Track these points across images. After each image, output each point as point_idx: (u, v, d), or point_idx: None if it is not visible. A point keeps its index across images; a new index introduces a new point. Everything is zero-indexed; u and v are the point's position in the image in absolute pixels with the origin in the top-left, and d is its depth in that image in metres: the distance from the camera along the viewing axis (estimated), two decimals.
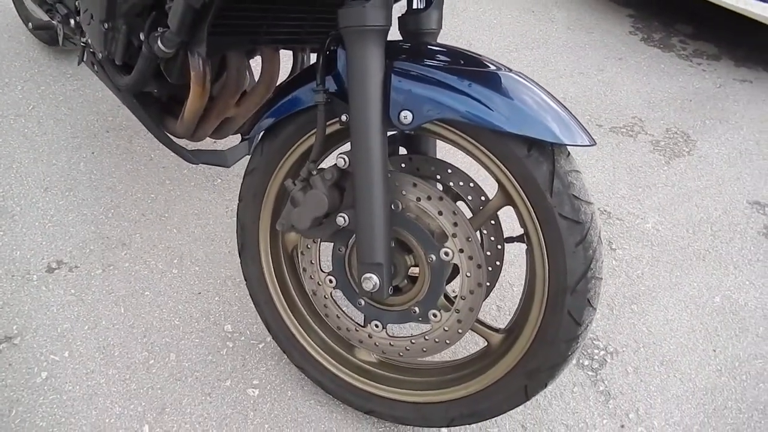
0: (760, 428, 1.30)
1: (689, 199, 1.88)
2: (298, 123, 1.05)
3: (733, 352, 1.46)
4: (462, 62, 0.93)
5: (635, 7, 2.88)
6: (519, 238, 1.06)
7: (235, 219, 1.62)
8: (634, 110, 2.23)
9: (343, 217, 0.99)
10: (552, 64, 2.37)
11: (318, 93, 0.95)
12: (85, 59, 1.47)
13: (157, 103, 1.39)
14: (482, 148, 0.93)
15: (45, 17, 1.59)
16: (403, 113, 0.90)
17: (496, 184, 0.97)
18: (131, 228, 1.57)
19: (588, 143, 0.88)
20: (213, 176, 1.74)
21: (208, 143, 1.75)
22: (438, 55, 0.95)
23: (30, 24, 1.59)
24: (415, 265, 1.06)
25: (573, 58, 2.48)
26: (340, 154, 0.99)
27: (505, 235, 1.11)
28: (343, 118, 0.96)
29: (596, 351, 1.43)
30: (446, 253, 0.99)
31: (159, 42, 1.10)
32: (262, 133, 1.11)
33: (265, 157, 1.11)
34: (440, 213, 0.98)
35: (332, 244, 1.08)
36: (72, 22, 1.46)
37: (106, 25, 1.21)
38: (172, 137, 1.40)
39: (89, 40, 1.32)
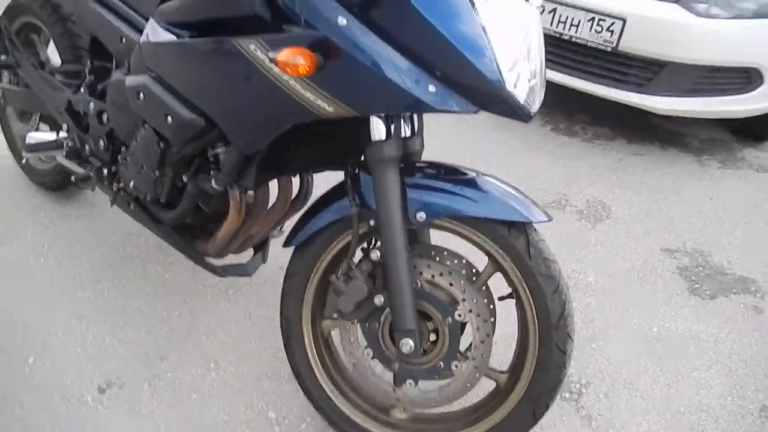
0: (706, 424, 1.65)
1: (616, 254, 2.31)
2: (330, 231, 1.36)
3: (675, 369, 1.82)
4: (449, 172, 1.29)
5: (542, 104, 3.47)
6: (509, 296, 1.39)
7: (250, 321, 1.88)
8: (558, 188, 2.71)
9: (380, 298, 1.29)
10: (486, 160, 2.84)
11: (351, 206, 1.27)
12: (116, 201, 1.74)
13: (190, 230, 1.66)
14: (476, 232, 1.27)
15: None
16: (419, 214, 1.24)
17: (486, 257, 1.32)
18: (165, 342, 1.78)
19: (547, 219, 1.25)
20: (225, 288, 1.99)
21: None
22: (431, 169, 1.31)
23: (73, 177, 1.85)
24: (434, 331, 1.36)
25: (501, 153, 2.98)
26: (370, 249, 1.30)
27: (497, 296, 1.44)
28: (371, 222, 1.29)
29: (573, 385, 1.75)
30: (459, 314, 1.30)
31: (213, 182, 1.40)
32: (298, 244, 1.41)
33: (304, 262, 1.40)
34: (451, 284, 1.31)
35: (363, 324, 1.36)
36: (105, 171, 1.74)
37: (156, 173, 1.50)
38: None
39: (134, 184, 1.58)
